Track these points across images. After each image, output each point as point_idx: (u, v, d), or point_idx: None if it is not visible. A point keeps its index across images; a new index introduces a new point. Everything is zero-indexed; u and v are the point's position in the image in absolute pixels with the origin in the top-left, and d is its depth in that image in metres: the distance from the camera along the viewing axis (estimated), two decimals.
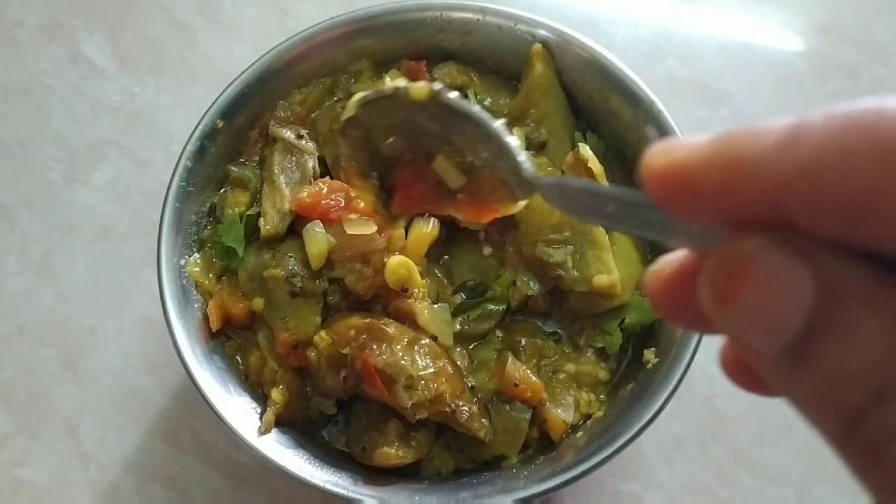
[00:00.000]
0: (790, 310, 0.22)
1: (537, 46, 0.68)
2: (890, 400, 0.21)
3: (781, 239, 0.22)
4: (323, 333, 0.60)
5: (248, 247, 0.65)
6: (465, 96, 0.69)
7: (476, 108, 0.37)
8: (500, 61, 0.71)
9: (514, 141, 0.37)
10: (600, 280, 0.61)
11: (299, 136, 0.66)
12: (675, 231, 0.26)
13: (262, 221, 0.64)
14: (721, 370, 0.29)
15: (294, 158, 0.66)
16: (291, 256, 0.62)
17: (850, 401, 0.21)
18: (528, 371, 0.62)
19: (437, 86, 0.38)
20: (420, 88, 0.38)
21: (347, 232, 0.60)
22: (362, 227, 0.60)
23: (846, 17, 0.91)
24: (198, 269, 0.65)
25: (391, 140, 0.41)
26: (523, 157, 0.36)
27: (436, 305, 0.63)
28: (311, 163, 0.66)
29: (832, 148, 0.21)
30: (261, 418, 0.61)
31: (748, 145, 0.23)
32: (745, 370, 0.29)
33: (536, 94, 0.68)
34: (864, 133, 0.20)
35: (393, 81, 0.39)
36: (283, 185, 0.65)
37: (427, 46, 0.71)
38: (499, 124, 0.37)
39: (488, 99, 0.70)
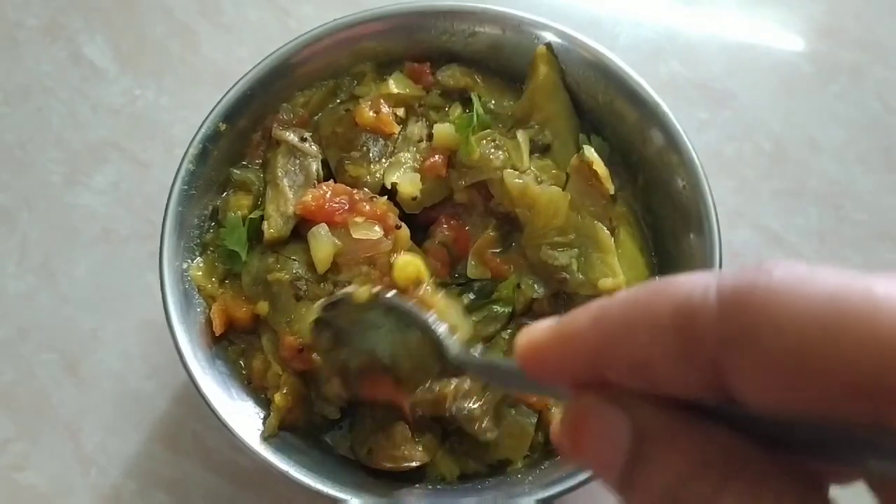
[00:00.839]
0: (615, 449, 0.27)
1: (541, 48, 0.68)
2: None
3: (605, 394, 0.28)
4: None
5: (251, 250, 0.64)
6: (469, 99, 0.69)
7: (410, 305, 0.50)
8: (505, 63, 0.71)
9: (443, 329, 0.47)
10: (605, 283, 0.61)
11: (302, 139, 0.66)
12: (545, 390, 0.40)
13: (265, 225, 0.64)
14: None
15: (297, 161, 0.66)
16: (296, 260, 0.62)
17: None
18: None
19: (377, 288, 0.52)
20: (361, 293, 0.51)
21: (353, 236, 0.60)
22: (368, 231, 0.60)
23: (846, 18, 0.90)
24: (200, 272, 0.64)
25: (351, 351, 0.54)
26: (451, 342, 0.47)
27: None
28: (315, 165, 0.65)
29: (621, 323, 0.27)
30: (264, 423, 0.61)
31: (570, 324, 0.29)
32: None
33: (540, 97, 0.68)
34: (641, 310, 0.27)
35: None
36: (287, 188, 0.64)
37: (430, 48, 0.71)
38: (431, 316, 0.49)
39: (492, 101, 0.70)
